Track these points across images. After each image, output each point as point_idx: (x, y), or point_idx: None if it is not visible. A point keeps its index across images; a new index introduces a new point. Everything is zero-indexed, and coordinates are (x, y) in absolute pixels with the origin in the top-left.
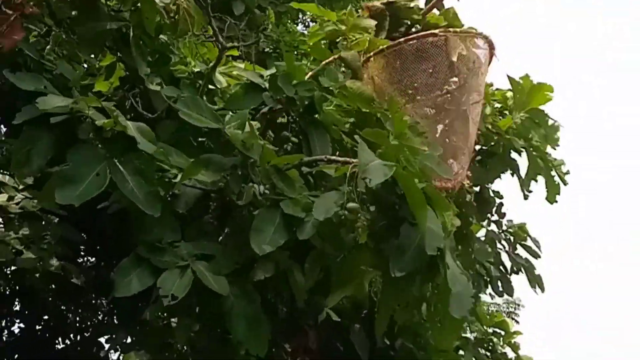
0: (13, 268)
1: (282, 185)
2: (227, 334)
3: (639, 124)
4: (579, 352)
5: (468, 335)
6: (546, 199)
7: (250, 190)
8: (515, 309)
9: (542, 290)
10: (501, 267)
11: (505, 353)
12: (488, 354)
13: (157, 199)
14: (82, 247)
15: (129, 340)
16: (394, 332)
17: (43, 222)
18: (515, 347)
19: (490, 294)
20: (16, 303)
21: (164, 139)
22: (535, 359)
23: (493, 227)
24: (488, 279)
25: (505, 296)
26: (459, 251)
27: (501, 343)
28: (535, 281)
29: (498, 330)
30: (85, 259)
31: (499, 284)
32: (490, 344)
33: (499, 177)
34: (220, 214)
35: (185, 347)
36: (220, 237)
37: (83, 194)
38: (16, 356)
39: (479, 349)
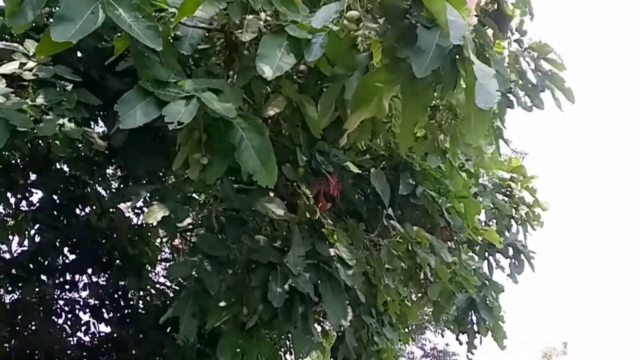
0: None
1: (285, 10)
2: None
3: None
4: None
5: (486, 181)
6: None
7: (254, 22)
8: (523, 158)
9: (573, 102)
10: (528, 84)
11: (522, 197)
12: (506, 199)
13: (157, 33)
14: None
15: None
16: (415, 179)
17: (57, 89)
18: (532, 191)
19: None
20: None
21: None
22: None
23: (515, 46)
24: (514, 98)
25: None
26: None
27: (519, 188)
28: (566, 94)
29: (515, 175)
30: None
31: (527, 101)
32: (508, 189)
33: None
34: (227, 54)
35: (208, 200)
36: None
37: (79, 31)
38: (37, 226)
39: (497, 194)
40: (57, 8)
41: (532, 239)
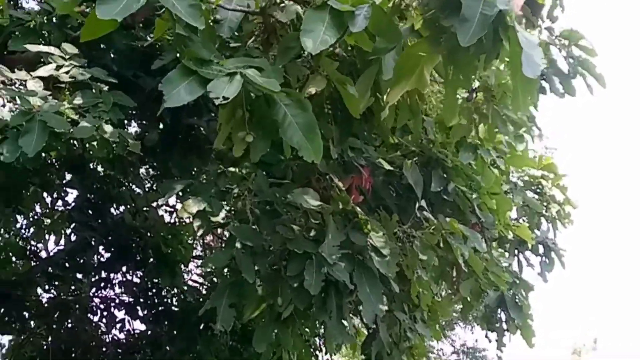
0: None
1: None
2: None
3: None
4: None
5: (516, 179)
6: None
7: (291, 3)
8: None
9: (604, 87)
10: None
11: (553, 195)
12: (537, 196)
13: (200, 11)
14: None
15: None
16: (447, 175)
17: (93, 91)
18: (563, 189)
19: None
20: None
21: None
22: None
23: (545, 34)
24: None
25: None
26: None
27: (549, 185)
28: (598, 80)
29: (546, 173)
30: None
31: (559, 86)
32: (539, 186)
33: None
34: (265, 38)
35: (243, 193)
36: None
37: (124, 9)
38: (73, 225)
39: (528, 191)
40: None
41: (561, 235)
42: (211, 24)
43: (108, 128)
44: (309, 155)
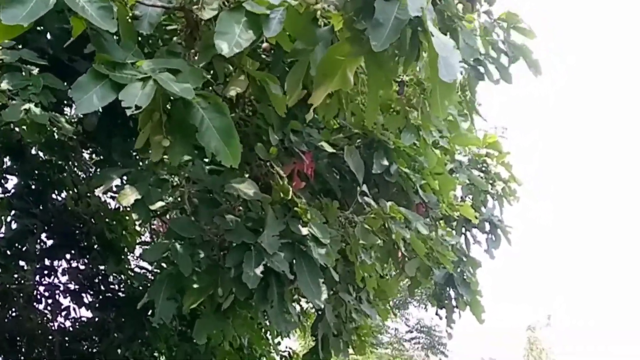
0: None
1: None
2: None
3: None
4: None
5: (461, 157)
6: None
7: (213, 3)
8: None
9: (540, 74)
10: (498, 56)
11: (498, 173)
12: (482, 174)
13: (111, 14)
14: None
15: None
16: (389, 157)
17: (23, 73)
18: (508, 167)
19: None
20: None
21: None
22: None
23: (484, 17)
24: (484, 71)
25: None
26: None
27: (494, 163)
28: (534, 66)
29: (491, 151)
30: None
31: (496, 74)
32: (484, 164)
33: None
34: (187, 33)
35: (181, 182)
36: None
37: (30, 14)
38: (13, 212)
39: (473, 170)
40: None
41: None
42: (129, 20)
43: (38, 111)
44: (227, 159)
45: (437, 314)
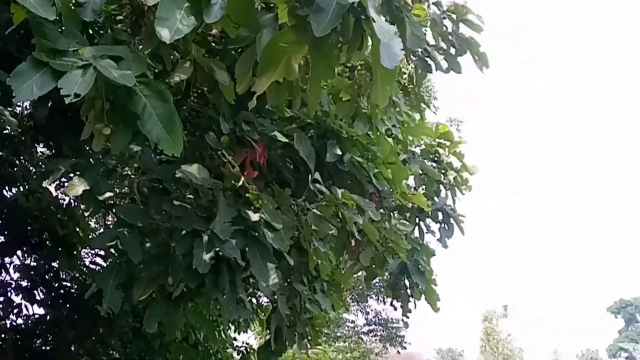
0: None
1: None
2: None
3: None
4: None
5: (414, 148)
6: None
7: None
8: (458, 125)
9: (487, 67)
10: (447, 48)
11: (450, 162)
12: (434, 164)
13: (51, 1)
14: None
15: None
16: (343, 147)
17: None
18: (460, 156)
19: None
20: None
21: None
22: None
23: (434, 9)
24: (432, 64)
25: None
26: None
27: (447, 153)
28: (481, 59)
29: (443, 142)
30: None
31: (445, 65)
32: (436, 155)
33: None
34: (133, 20)
35: (131, 172)
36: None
37: None
38: None
39: (425, 160)
40: None
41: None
42: (72, 7)
43: None
44: (169, 147)
45: (392, 304)
